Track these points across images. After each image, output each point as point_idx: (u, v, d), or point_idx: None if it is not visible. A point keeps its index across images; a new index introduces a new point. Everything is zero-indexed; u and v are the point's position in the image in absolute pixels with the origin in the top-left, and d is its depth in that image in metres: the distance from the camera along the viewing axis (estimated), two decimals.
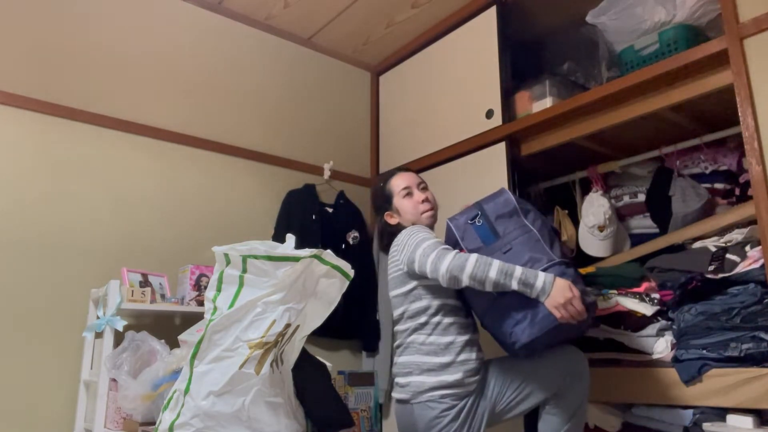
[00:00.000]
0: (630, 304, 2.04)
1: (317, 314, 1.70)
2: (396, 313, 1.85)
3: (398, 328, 1.84)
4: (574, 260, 2.29)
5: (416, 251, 1.71)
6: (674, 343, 1.92)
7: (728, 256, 1.88)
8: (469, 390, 1.71)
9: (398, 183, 1.93)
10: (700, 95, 1.95)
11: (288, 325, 1.56)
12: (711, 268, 1.88)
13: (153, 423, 1.70)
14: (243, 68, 2.76)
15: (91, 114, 2.28)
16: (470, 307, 1.83)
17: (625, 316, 2.04)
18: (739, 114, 1.76)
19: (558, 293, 1.56)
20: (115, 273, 2.10)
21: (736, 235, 1.92)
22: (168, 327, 2.23)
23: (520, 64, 2.58)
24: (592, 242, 2.33)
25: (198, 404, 1.49)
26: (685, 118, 2.21)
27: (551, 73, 2.53)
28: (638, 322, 2.02)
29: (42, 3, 2.25)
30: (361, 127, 3.18)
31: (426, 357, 1.73)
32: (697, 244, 2.03)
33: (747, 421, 1.71)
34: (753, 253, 1.83)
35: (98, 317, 2.01)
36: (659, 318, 1.99)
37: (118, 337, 1.93)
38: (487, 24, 2.60)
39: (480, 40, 2.62)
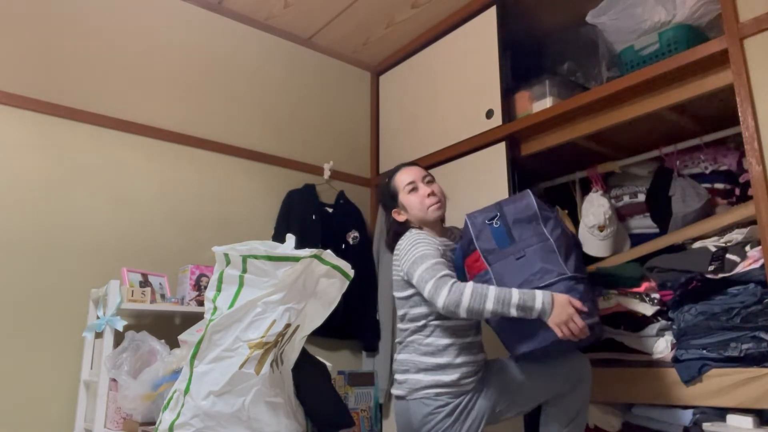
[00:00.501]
0: (630, 304, 2.04)
1: (317, 314, 1.70)
2: (399, 312, 1.86)
3: (400, 326, 1.85)
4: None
5: (415, 270, 1.68)
6: (674, 343, 1.92)
7: (728, 256, 1.88)
8: (466, 389, 1.72)
9: (403, 179, 1.91)
10: (700, 95, 1.95)
11: (288, 325, 1.56)
12: (711, 268, 1.88)
13: (153, 423, 1.70)
14: (243, 68, 2.76)
15: (91, 114, 2.28)
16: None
17: (625, 316, 2.04)
18: (739, 114, 1.76)
19: (559, 311, 1.53)
20: (115, 273, 2.10)
21: (736, 235, 1.92)
22: (168, 327, 2.23)
23: (520, 64, 2.58)
24: (592, 242, 2.33)
25: (198, 404, 1.49)
26: (685, 118, 2.21)
27: (551, 73, 2.53)
28: (638, 322, 2.02)
29: (42, 3, 2.25)
30: (361, 127, 3.18)
31: (423, 357, 1.74)
32: (697, 244, 2.03)
33: (747, 421, 1.71)
34: (753, 253, 1.83)
35: (98, 317, 2.01)
36: (659, 318, 1.99)
37: (118, 337, 1.93)
38: (487, 24, 2.60)
39: (480, 40, 2.62)
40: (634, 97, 2.10)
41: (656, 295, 2.01)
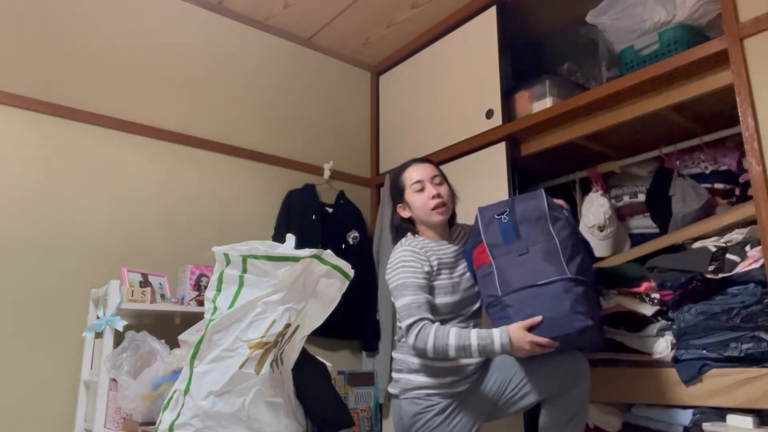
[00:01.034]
0: (630, 304, 2.04)
1: (317, 314, 1.70)
2: (396, 312, 1.86)
3: (398, 324, 1.85)
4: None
5: (395, 299, 1.72)
6: (674, 343, 1.92)
7: (728, 256, 1.88)
8: (459, 390, 1.74)
9: (411, 175, 1.88)
10: (700, 95, 1.95)
11: (288, 325, 1.56)
12: (711, 268, 1.88)
13: (153, 423, 1.70)
14: (243, 68, 2.76)
15: (91, 114, 2.28)
16: (471, 312, 1.84)
17: (625, 316, 2.04)
18: (739, 114, 1.76)
19: (519, 347, 1.56)
20: (115, 273, 2.10)
21: (736, 235, 1.92)
22: (168, 327, 2.23)
23: (520, 64, 2.58)
24: (592, 242, 2.32)
25: (198, 404, 1.49)
26: (685, 118, 2.20)
27: (551, 73, 2.53)
28: (638, 322, 2.02)
29: (42, 3, 2.25)
30: (361, 127, 3.18)
31: (417, 358, 1.75)
32: (697, 244, 2.03)
33: (747, 421, 1.71)
34: (753, 253, 1.83)
35: (98, 317, 2.01)
36: (659, 318, 1.99)
37: (118, 337, 1.93)
38: (487, 24, 2.60)
39: (480, 40, 2.62)
40: (634, 97, 2.10)
41: (656, 295, 2.01)
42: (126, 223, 2.30)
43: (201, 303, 2.02)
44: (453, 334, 1.61)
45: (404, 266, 1.75)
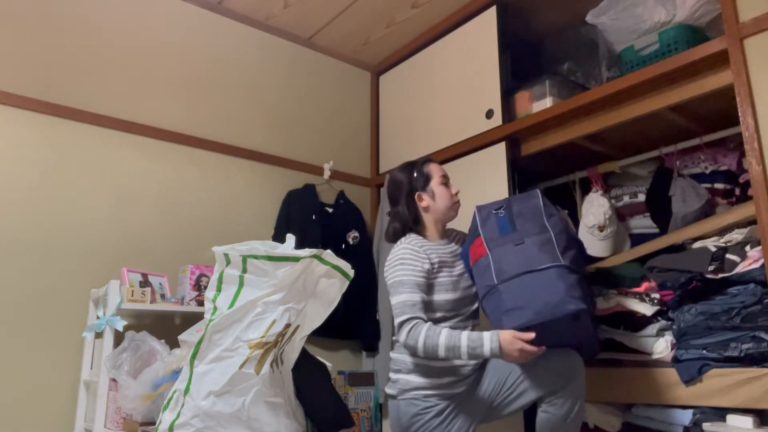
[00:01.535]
0: (630, 304, 2.04)
1: (317, 314, 1.70)
2: (392, 309, 1.87)
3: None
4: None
5: (392, 296, 1.74)
6: (674, 343, 1.92)
7: (728, 256, 1.88)
8: (456, 392, 1.75)
9: (437, 170, 1.93)
10: (700, 95, 1.95)
11: (288, 325, 1.56)
12: (711, 268, 1.88)
13: (153, 423, 1.70)
14: (243, 68, 2.76)
15: (91, 114, 2.28)
16: (470, 312, 1.85)
17: (625, 316, 2.04)
18: (739, 114, 1.76)
19: (509, 350, 1.57)
20: (115, 273, 2.10)
21: (736, 235, 1.92)
22: (168, 327, 2.23)
23: (520, 64, 2.58)
24: (592, 242, 2.33)
25: (198, 404, 1.49)
26: (685, 118, 2.20)
27: (551, 73, 2.53)
28: (638, 322, 2.02)
29: (42, 3, 2.25)
30: (361, 127, 3.18)
31: (415, 358, 1.75)
32: (697, 244, 2.03)
33: (747, 421, 1.71)
34: (753, 253, 1.83)
35: (98, 317, 2.01)
36: (659, 318, 1.99)
37: (118, 337, 1.93)
38: (487, 24, 2.60)
39: (480, 40, 2.62)
40: (634, 97, 2.10)
41: (656, 295, 2.01)
42: (126, 223, 2.30)
43: (201, 303, 2.02)
44: (444, 335, 1.62)
45: (403, 263, 1.76)
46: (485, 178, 2.47)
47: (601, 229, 2.31)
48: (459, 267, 1.87)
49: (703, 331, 1.83)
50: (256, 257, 1.55)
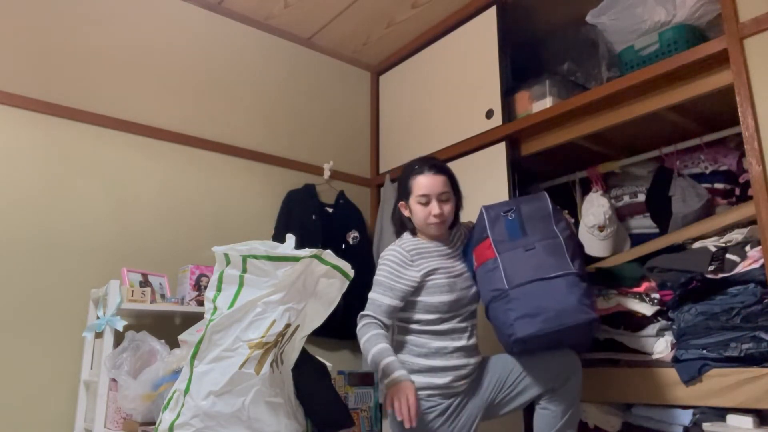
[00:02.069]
0: (630, 304, 2.04)
1: (317, 314, 1.70)
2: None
3: (396, 324, 1.86)
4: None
5: (371, 291, 1.79)
6: (674, 343, 1.92)
7: (728, 256, 1.88)
8: (458, 391, 1.76)
9: (420, 186, 1.82)
10: (700, 95, 1.95)
11: (288, 325, 1.56)
12: (711, 268, 1.88)
13: (153, 423, 1.70)
14: (243, 68, 2.76)
15: (91, 114, 2.28)
16: (469, 312, 1.85)
17: (625, 316, 2.04)
18: (739, 114, 1.76)
19: (395, 391, 1.59)
20: (115, 273, 2.10)
21: (736, 235, 1.92)
22: (168, 327, 2.23)
23: (520, 64, 2.58)
24: (592, 242, 2.33)
25: (198, 404, 1.49)
26: (685, 118, 2.20)
27: (551, 73, 2.53)
28: (638, 322, 2.02)
29: (42, 3, 2.25)
30: (361, 127, 3.18)
31: (417, 358, 1.77)
32: (697, 244, 2.03)
33: (747, 421, 1.71)
34: (753, 253, 1.83)
35: (98, 317, 2.01)
36: (659, 318, 1.99)
37: (118, 337, 1.93)
38: (487, 24, 2.60)
39: (480, 40, 2.62)
40: (634, 97, 2.10)
41: (656, 295, 2.01)
42: (126, 223, 2.30)
43: (201, 303, 2.01)
44: (376, 349, 1.66)
45: (387, 266, 1.79)
46: (485, 178, 2.47)
47: (601, 229, 2.31)
48: (458, 267, 1.86)
49: (703, 331, 1.83)
50: (256, 257, 1.55)
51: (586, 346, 1.88)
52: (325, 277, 1.65)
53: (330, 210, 2.84)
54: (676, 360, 1.89)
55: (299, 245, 1.61)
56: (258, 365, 1.51)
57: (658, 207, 2.28)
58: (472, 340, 1.82)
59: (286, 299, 1.55)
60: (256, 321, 1.53)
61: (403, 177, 1.91)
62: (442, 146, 2.70)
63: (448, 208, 1.84)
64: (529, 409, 1.85)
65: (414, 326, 1.80)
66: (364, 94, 3.23)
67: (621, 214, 2.45)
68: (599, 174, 2.46)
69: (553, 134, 2.36)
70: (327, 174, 2.89)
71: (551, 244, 1.73)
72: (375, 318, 1.73)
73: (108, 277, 2.02)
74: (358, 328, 1.74)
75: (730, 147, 2.22)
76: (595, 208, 2.36)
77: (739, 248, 1.88)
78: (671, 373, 1.88)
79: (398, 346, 1.83)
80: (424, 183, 1.82)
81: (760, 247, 1.76)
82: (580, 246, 1.89)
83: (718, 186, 2.21)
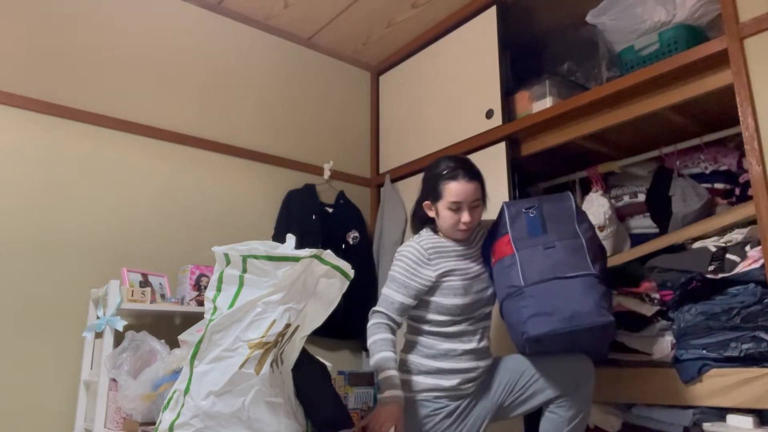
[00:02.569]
0: (630, 304, 2.04)
1: (317, 314, 1.69)
2: None
3: (407, 322, 1.85)
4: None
5: (385, 285, 1.78)
6: (674, 343, 1.92)
7: (728, 256, 1.88)
8: (466, 393, 1.74)
9: (453, 193, 1.75)
10: (700, 95, 1.95)
11: (288, 325, 1.56)
12: (711, 268, 1.88)
13: (153, 423, 1.70)
14: (243, 68, 2.76)
15: (91, 114, 2.28)
16: (482, 315, 1.82)
17: (625, 316, 2.04)
18: (739, 114, 1.76)
19: (382, 411, 1.60)
20: (115, 273, 2.10)
21: (736, 235, 1.92)
22: (168, 327, 2.23)
23: (520, 64, 2.59)
24: None
25: (198, 404, 1.49)
26: (685, 118, 2.21)
27: (551, 73, 2.53)
28: (638, 322, 2.02)
29: (42, 3, 2.25)
30: (361, 127, 3.18)
31: (424, 359, 1.75)
32: (697, 244, 2.03)
33: (747, 421, 1.71)
34: (753, 253, 1.83)
35: (98, 317, 2.01)
36: (659, 318, 1.99)
37: (118, 337, 1.93)
38: (487, 24, 2.60)
39: (480, 40, 2.62)
40: (634, 97, 2.10)
41: (656, 295, 2.01)
42: (126, 223, 2.30)
43: (201, 303, 2.01)
44: (380, 356, 1.67)
45: (404, 262, 1.77)
46: (485, 178, 2.45)
47: (601, 229, 2.31)
48: (475, 269, 1.82)
49: (703, 331, 1.83)
50: (256, 257, 1.55)
51: (604, 353, 1.83)
52: (325, 277, 1.65)
53: (330, 210, 2.84)
54: (676, 360, 1.89)
55: (299, 245, 1.61)
56: (258, 365, 1.51)
57: (658, 207, 2.28)
58: (483, 343, 1.80)
59: (286, 299, 1.55)
60: (256, 321, 1.53)
61: (433, 177, 1.82)
62: (442, 146, 2.70)
63: (477, 215, 1.80)
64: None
65: (424, 326, 1.78)
66: (364, 94, 3.23)
67: (621, 214, 2.46)
68: (599, 174, 2.46)
69: (553, 134, 2.36)
70: (327, 174, 2.89)
71: (572, 244, 1.70)
72: (387, 316, 1.72)
73: (108, 277, 2.02)
74: (369, 324, 1.75)
75: (730, 147, 2.22)
76: (594, 208, 2.36)
77: (739, 248, 1.88)
78: (671, 373, 1.88)
79: (407, 346, 1.82)
80: (457, 190, 1.75)
81: (760, 247, 1.76)
82: (603, 249, 1.84)
83: (718, 186, 2.21)
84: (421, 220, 1.89)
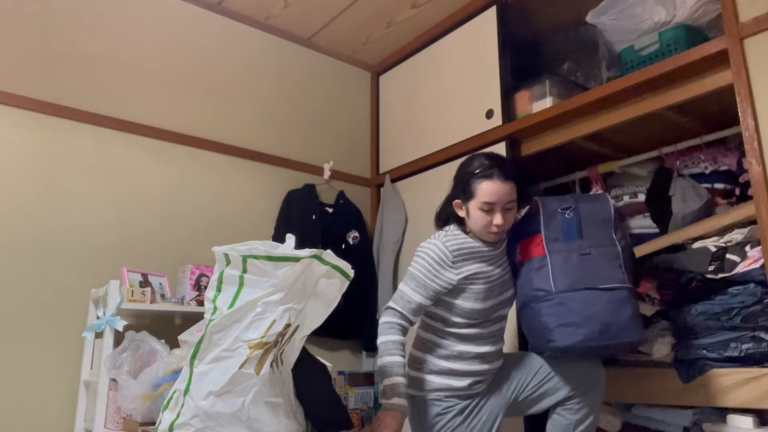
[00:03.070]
0: None
1: (317, 314, 1.69)
2: None
3: (421, 318, 1.82)
4: None
5: (403, 281, 1.73)
6: (674, 343, 1.92)
7: (728, 256, 1.88)
8: (477, 392, 1.73)
9: (486, 192, 1.65)
10: (700, 95, 1.94)
11: (288, 325, 1.56)
12: (711, 268, 1.88)
13: (153, 423, 1.70)
14: (243, 68, 2.76)
15: (91, 114, 2.28)
16: (499, 317, 1.78)
17: None
18: (739, 114, 1.76)
19: (385, 418, 1.57)
20: (115, 273, 2.10)
21: (736, 235, 1.92)
22: (168, 327, 2.23)
23: (520, 64, 2.58)
24: None
25: (198, 404, 1.49)
26: (685, 118, 2.20)
27: (551, 73, 2.53)
28: None
29: (42, 3, 2.25)
30: (361, 128, 3.18)
31: (437, 359, 1.74)
32: (697, 244, 2.03)
33: (747, 421, 1.71)
34: (753, 253, 1.83)
35: (98, 317, 2.01)
36: (659, 318, 1.99)
37: (118, 337, 1.93)
38: (487, 24, 2.60)
39: (480, 40, 2.62)
40: (634, 97, 2.10)
41: (656, 295, 2.01)
42: (126, 223, 2.30)
43: (201, 303, 2.01)
44: (390, 358, 1.64)
45: (426, 261, 1.69)
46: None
47: None
48: (497, 272, 1.75)
49: (703, 331, 1.83)
50: (256, 257, 1.55)
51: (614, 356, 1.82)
52: (325, 277, 1.65)
53: (330, 210, 2.84)
54: (676, 360, 1.89)
55: (299, 245, 1.61)
56: (258, 365, 1.51)
57: (658, 207, 2.28)
58: (498, 345, 1.77)
59: (286, 299, 1.55)
60: (256, 321, 1.53)
61: (466, 175, 1.73)
62: (441, 146, 2.70)
63: (510, 217, 1.71)
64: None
65: (439, 326, 1.75)
66: (364, 94, 3.23)
67: (621, 214, 2.45)
68: (599, 174, 2.46)
69: (553, 134, 2.36)
70: (327, 174, 2.89)
71: (608, 252, 1.64)
72: (402, 315, 1.68)
73: (108, 277, 2.02)
74: (381, 321, 1.70)
75: (730, 147, 2.22)
76: None
77: (739, 248, 1.88)
78: (671, 373, 1.88)
79: (420, 343, 1.79)
80: (491, 190, 1.66)
81: (760, 247, 1.76)
82: (634, 257, 1.81)
83: (718, 186, 2.21)
84: (447, 218, 1.79)
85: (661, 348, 1.95)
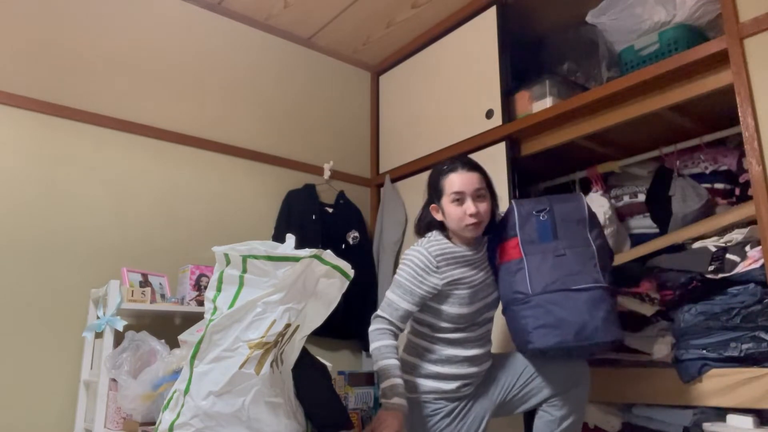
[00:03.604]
0: (630, 304, 2.04)
1: (317, 314, 1.69)
2: None
3: (411, 323, 1.84)
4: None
5: (389, 289, 1.74)
6: (674, 343, 1.92)
7: (728, 256, 1.88)
8: (465, 394, 1.75)
9: (452, 184, 1.72)
10: (700, 95, 1.95)
11: (288, 325, 1.56)
12: (711, 268, 1.88)
13: (153, 423, 1.70)
14: (243, 68, 2.76)
15: (91, 114, 2.28)
16: (485, 320, 1.79)
17: (625, 316, 2.04)
18: (739, 114, 1.76)
19: (386, 418, 1.58)
20: (115, 273, 2.10)
21: (736, 235, 1.92)
22: (168, 327, 2.23)
23: (520, 64, 2.58)
24: None
25: (198, 404, 1.49)
26: (685, 118, 2.21)
27: (551, 73, 2.53)
28: (638, 322, 2.02)
29: (42, 3, 2.25)
30: (361, 128, 3.18)
31: (425, 363, 1.75)
32: (697, 244, 2.03)
33: (747, 421, 1.71)
34: (753, 253, 1.83)
35: (98, 317, 2.01)
36: (659, 318, 1.99)
37: (118, 337, 1.93)
38: (487, 24, 2.60)
39: (480, 40, 2.62)
40: (634, 97, 2.10)
41: (656, 295, 2.01)
42: (126, 222, 2.30)
43: (201, 303, 2.01)
44: (386, 361, 1.65)
45: (411, 268, 1.71)
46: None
47: None
48: (481, 276, 1.77)
49: (703, 331, 1.83)
50: (256, 257, 1.55)
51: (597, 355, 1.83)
52: (325, 277, 1.65)
53: (330, 210, 2.84)
54: (676, 360, 1.89)
55: (299, 245, 1.61)
56: (258, 365, 1.51)
57: (658, 207, 2.28)
58: (486, 348, 1.79)
59: (286, 299, 1.55)
60: (256, 321, 1.53)
61: (433, 178, 1.80)
62: (442, 146, 2.70)
63: (484, 206, 1.73)
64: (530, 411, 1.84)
65: (427, 331, 1.77)
66: (364, 94, 3.23)
67: (621, 214, 2.46)
68: (599, 174, 2.46)
69: (553, 134, 2.36)
70: (327, 174, 2.89)
71: (583, 252, 1.66)
72: (390, 322, 1.70)
73: (108, 277, 2.02)
74: (371, 329, 1.72)
75: (730, 147, 2.22)
76: (594, 208, 2.35)
77: (739, 248, 1.88)
78: (671, 373, 1.89)
79: (409, 347, 1.82)
80: (458, 180, 1.72)
81: (760, 247, 1.76)
82: (611, 254, 1.81)
83: (718, 186, 2.21)
84: (427, 226, 1.83)
85: (661, 348, 1.95)
